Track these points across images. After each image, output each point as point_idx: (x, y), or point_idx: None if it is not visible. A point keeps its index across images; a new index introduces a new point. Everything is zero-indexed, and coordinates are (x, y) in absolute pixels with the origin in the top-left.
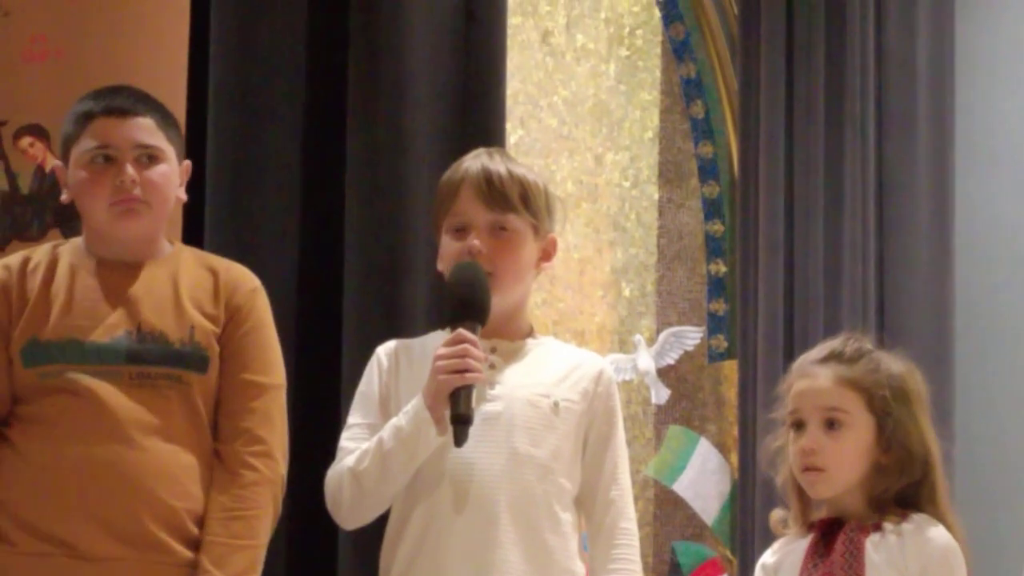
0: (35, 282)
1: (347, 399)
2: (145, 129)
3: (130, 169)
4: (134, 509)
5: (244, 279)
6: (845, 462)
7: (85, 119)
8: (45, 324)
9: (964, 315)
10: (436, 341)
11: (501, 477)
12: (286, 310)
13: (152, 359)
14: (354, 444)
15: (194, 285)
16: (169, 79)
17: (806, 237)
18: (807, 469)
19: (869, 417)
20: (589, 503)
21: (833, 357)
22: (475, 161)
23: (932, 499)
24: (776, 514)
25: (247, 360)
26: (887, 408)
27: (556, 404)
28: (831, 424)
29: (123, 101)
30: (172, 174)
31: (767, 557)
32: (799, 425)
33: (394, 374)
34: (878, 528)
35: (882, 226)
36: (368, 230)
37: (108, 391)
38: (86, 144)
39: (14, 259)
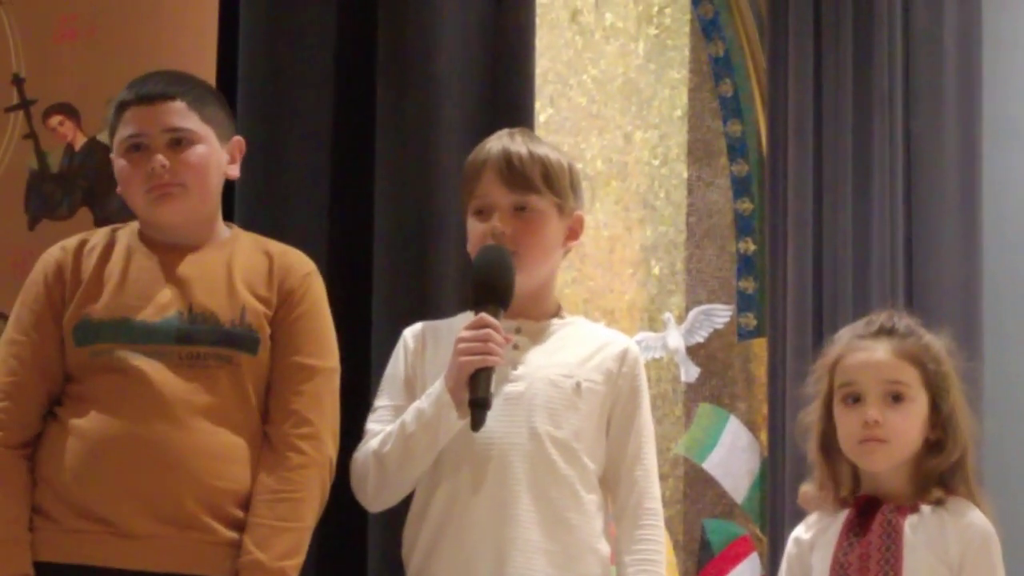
0: (90, 263)
1: (376, 382)
2: (176, 113)
3: (159, 155)
4: (175, 489)
5: (299, 263)
6: (907, 435)
7: (120, 109)
8: (97, 304)
9: (992, 292)
10: (462, 323)
11: (522, 456)
12: None
13: (203, 339)
14: (379, 426)
15: (248, 268)
16: (199, 58)
17: (834, 215)
18: (868, 440)
19: (925, 392)
20: (613, 483)
21: (884, 332)
22: (497, 143)
23: (965, 480)
24: (805, 488)
25: (299, 343)
26: (944, 384)
27: (578, 385)
28: (894, 397)
29: (152, 87)
30: (211, 154)
31: (801, 532)
32: (855, 398)
33: (420, 356)
34: (915, 509)
35: (910, 203)
36: (397, 211)
37: (157, 370)
38: (122, 133)
39: (72, 240)
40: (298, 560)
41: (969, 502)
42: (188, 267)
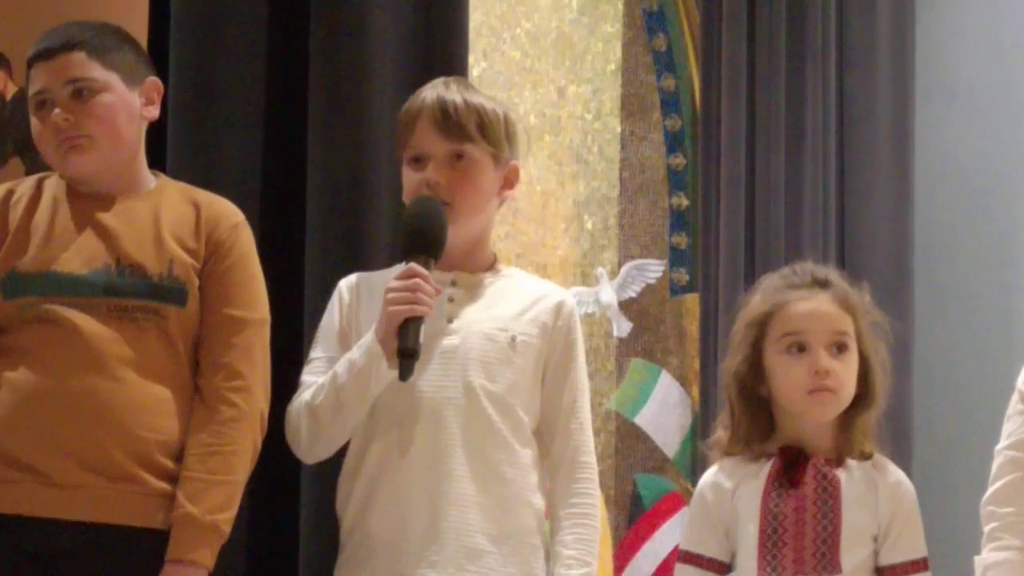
0: (17, 214)
1: (309, 333)
2: (75, 64)
3: (57, 109)
4: (103, 440)
5: (227, 213)
6: (850, 386)
7: (28, 67)
8: (25, 256)
9: (922, 248)
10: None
11: (456, 410)
12: None
13: (130, 292)
14: (313, 378)
15: (176, 219)
16: (131, 7)
17: (767, 171)
18: (819, 390)
19: (856, 344)
20: (548, 436)
21: (819, 283)
22: (431, 91)
23: (866, 432)
24: (721, 434)
25: (229, 295)
26: (873, 337)
27: (513, 339)
28: (838, 348)
29: (50, 41)
30: (118, 101)
31: (721, 479)
32: (800, 348)
33: (355, 308)
34: (842, 463)
35: (843, 159)
36: (330, 162)
37: (86, 322)
38: (30, 91)
39: None
40: (230, 514)
41: (887, 459)
42: (115, 219)
